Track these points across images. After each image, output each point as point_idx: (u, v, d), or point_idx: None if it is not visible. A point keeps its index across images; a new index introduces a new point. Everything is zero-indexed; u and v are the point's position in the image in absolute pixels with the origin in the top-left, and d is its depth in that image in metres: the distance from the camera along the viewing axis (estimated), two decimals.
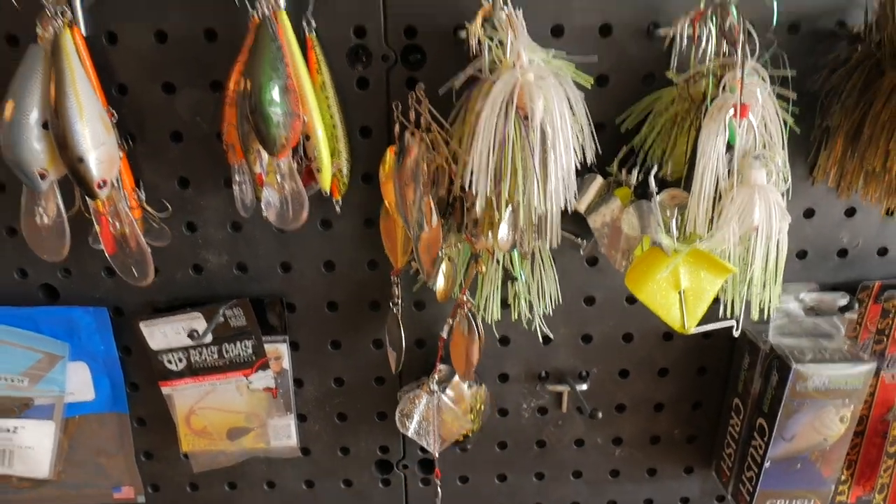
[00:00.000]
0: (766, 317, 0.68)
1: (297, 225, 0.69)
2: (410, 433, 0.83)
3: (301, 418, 0.88)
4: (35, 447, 0.81)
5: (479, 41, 0.63)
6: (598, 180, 0.72)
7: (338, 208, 0.73)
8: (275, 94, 0.61)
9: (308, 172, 0.69)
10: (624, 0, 0.70)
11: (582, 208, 0.71)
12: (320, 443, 0.90)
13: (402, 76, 0.72)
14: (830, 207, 0.80)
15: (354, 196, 0.75)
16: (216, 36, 0.69)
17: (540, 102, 0.58)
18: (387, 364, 0.82)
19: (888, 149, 0.63)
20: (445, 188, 0.69)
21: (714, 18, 0.65)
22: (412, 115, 0.69)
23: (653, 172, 0.67)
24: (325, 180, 0.68)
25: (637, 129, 0.72)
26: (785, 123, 0.66)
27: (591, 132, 0.65)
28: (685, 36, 0.66)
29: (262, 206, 0.67)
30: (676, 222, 0.67)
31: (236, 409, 0.82)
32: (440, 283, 0.74)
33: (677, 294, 0.67)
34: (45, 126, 0.63)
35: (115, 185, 0.67)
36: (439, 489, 0.90)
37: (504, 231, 0.66)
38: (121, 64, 0.70)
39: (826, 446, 0.79)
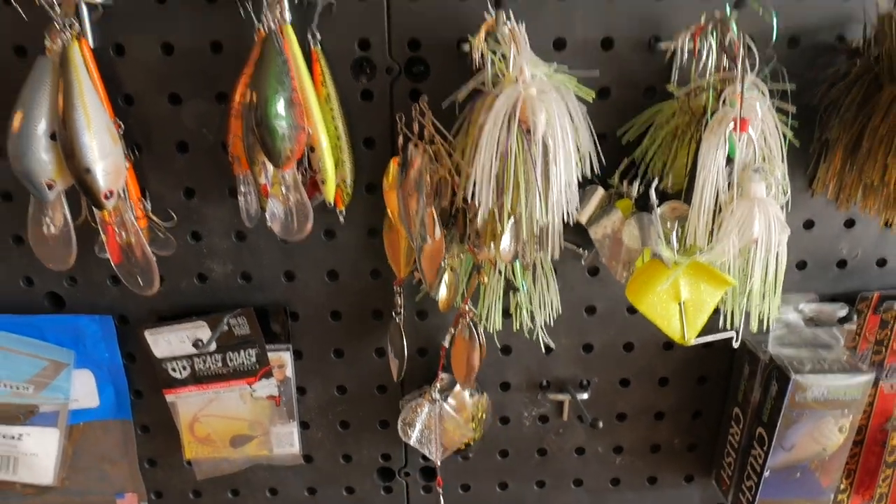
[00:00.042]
0: (765, 328, 0.69)
1: (302, 236, 0.69)
2: (413, 442, 0.84)
3: (304, 426, 0.88)
4: (39, 454, 0.82)
5: (482, 55, 0.64)
6: (600, 192, 0.73)
7: (341, 218, 0.74)
8: (280, 107, 0.61)
9: (312, 183, 0.70)
10: (625, 14, 0.71)
11: (583, 219, 0.72)
12: (323, 450, 0.91)
13: (405, 88, 0.73)
14: (830, 219, 0.81)
15: (358, 206, 0.76)
16: (222, 48, 0.70)
17: (542, 116, 0.59)
18: (389, 372, 0.82)
19: (886, 162, 0.64)
20: (448, 199, 0.70)
21: (714, 33, 0.65)
22: (416, 127, 0.70)
23: (653, 185, 0.68)
24: (330, 191, 0.69)
25: (638, 141, 0.73)
26: (784, 137, 0.67)
27: (595, 145, 0.66)
28: (686, 50, 0.67)
29: (267, 218, 0.68)
30: (677, 234, 0.68)
31: (240, 416, 0.83)
32: (442, 293, 0.75)
33: (677, 306, 0.68)
34: (52, 137, 0.64)
35: (122, 195, 0.68)
36: (441, 497, 0.90)
37: (506, 242, 0.66)
38: (128, 75, 0.71)
39: (825, 456, 0.80)
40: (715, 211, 0.65)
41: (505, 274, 0.75)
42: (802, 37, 0.73)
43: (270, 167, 0.66)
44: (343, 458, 0.91)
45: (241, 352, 0.80)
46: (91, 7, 0.66)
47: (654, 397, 0.89)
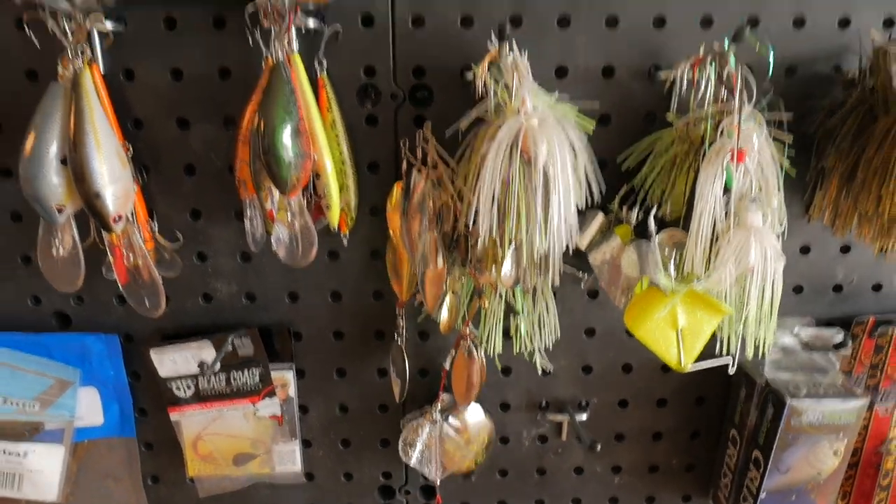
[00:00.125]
0: (761, 355, 0.70)
1: (307, 262, 0.71)
2: (413, 462, 0.85)
3: (306, 444, 0.89)
4: (44, 471, 0.83)
5: (484, 84, 0.65)
6: (600, 217, 0.74)
7: (345, 242, 0.75)
8: (287, 136, 0.63)
9: (317, 207, 0.71)
10: (626, 43, 0.72)
11: (583, 244, 0.73)
12: (324, 468, 0.91)
13: (410, 114, 0.74)
14: (826, 244, 0.82)
15: (361, 229, 0.77)
16: (230, 74, 0.72)
17: (543, 147, 0.60)
18: (390, 392, 0.83)
19: (880, 193, 0.65)
20: (450, 224, 0.71)
21: (713, 65, 0.67)
22: (419, 153, 0.71)
23: (652, 213, 0.69)
24: (334, 217, 0.70)
25: (638, 167, 0.74)
26: (781, 166, 0.68)
27: (595, 174, 0.67)
28: (685, 80, 0.68)
29: (273, 243, 0.70)
30: (675, 261, 0.69)
31: (243, 435, 0.84)
32: (444, 316, 0.76)
33: (675, 333, 0.69)
34: (63, 161, 0.65)
35: (130, 219, 0.69)
36: None
37: (507, 268, 0.67)
38: (137, 100, 0.72)
39: (820, 479, 0.81)
40: (712, 239, 0.66)
41: (505, 298, 0.76)
42: (800, 66, 0.74)
43: (276, 193, 0.67)
44: (344, 476, 0.92)
45: (245, 371, 0.81)
46: (102, 35, 0.67)
47: (653, 418, 0.90)
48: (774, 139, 0.68)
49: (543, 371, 0.84)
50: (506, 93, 0.64)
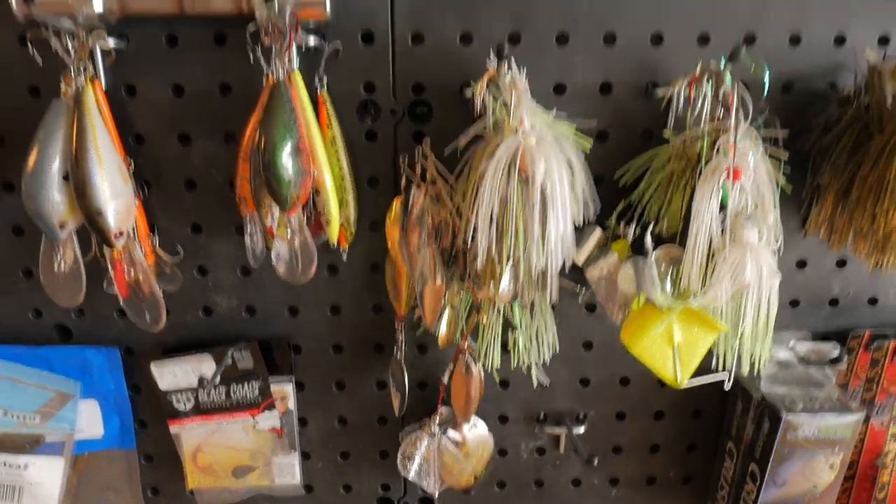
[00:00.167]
0: (756, 371, 0.70)
1: (306, 279, 0.71)
2: (411, 475, 0.85)
3: (305, 456, 0.89)
4: (45, 483, 0.83)
5: (483, 102, 0.66)
6: (597, 232, 0.74)
7: (344, 257, 0.76)
8: (287, 154, 0.63)
9: (317, 223, 0.71)
10: (623, 60, 0.73)
11: (580, 260, 0.73)
12: (323, 480, 0.92)
13: (409, 129, 0.75)
14: (822, 258, 0.83)
15: (361, 243, 0.78)
16: (231, 90, 0.72)
17: (541, 166, 0.60)
18: (389, 404, 0.84)
19: (875, 211, 0.66)
20: (449, 239, 0.72)
21: (710, 82, 0.67)
22: (418, 169, 0.72)
23: (649, 229, 0.70)
24: (333, 234, 0.71)
25: (636, 183, 0.75)
26: (777, 183, 0.69)
27: (592, 192, 0.68)
28: (682, 98, 0.69)
29: (273, 258, 0.70)
30: (671, 277, 0.70)
31: (242, 447, 0.84)
32: (442, 330, 0.76)
33: (671, 350, 0.69)
34: (66, 178, 0.65)
35: (131, 235, 0.69)
36: None
37: (505, 283, 0.68)
38: (139, 116, 0.73)
39: (816, 493, 0.81)
40: (708, 256, 0.66)
41: (504, 312, 0.77)
42: (796, 83, 0.75)
43: (276, 210, 0.67)
44: (343, 488, 0.93)
45: (245, 384, 0.81)
46: (105, 52, 0.68)
47: (650, 431, 0.90)
48: (770, 156, 0.69)
49: (540, 386, 0.84)
50: (504, 111, 0.64)
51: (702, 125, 0.68)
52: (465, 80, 0.72)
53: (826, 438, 0.78)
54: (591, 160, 0.70)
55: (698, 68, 0.68)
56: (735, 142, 0.64)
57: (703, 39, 0.73)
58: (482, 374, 0.79)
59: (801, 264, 0.83)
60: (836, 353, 0.81)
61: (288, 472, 0.86)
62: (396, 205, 0.74)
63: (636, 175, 0.75)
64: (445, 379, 0.80)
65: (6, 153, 0.74)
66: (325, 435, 0.89)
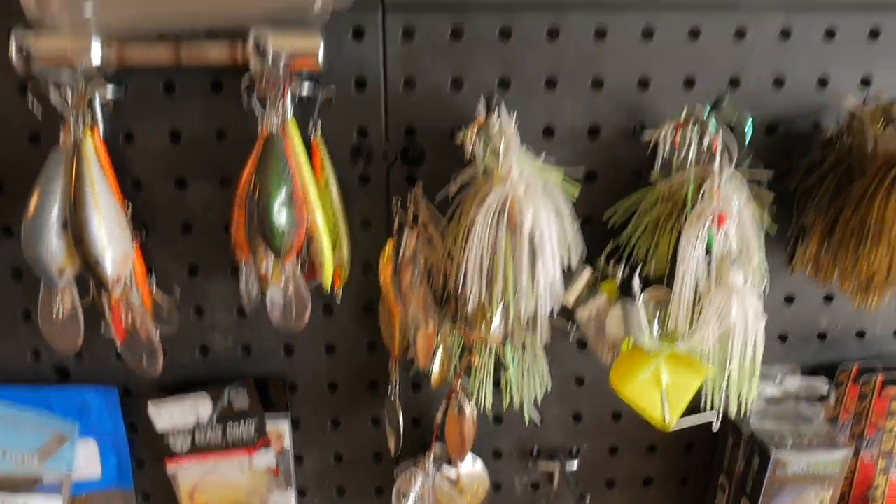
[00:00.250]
0: (743, 412, 0.71)
1: (300, 326, 0.72)
2: None
3: (301, 493, 0.90)
4: None
5: (473, 147, 0.67)
6: (587, 272, 0.75)
7: (338, 300, 0.77)
8: (281, 205, 0.65)
9: (311, 267, 0.72)
10: (611, 104, 0.75)
11: (570, 301, 0.75)
12: None
13: (402, 172, 0.76)
14: (810, 293, 0.84)
15: (355, 284, 0.79)
16: (226, 136, 0.74)
17: (529, 214, 0.62)
18: (384, 441, 0.85)
19: (857, 254, 0.67)
20: (441, 282, 0.73)
21: (695, 127, 0.69)
22: (410, 212, 0.73)
23: (637, 272, 0.71)
24: (327, 279, 0.72)
25: (625, 224, 0.76)
26: (763, 223, 0.70)
27: (577, 240, 0.69)
28: (668, 143, 0.70)
29: (267, 306, 0.71)
30: (659, 319, 0.71)
31: (238, 486, 0.85)
32: (435, 370, 0.77)
33: (659, 392, 0.70)
34: (65, 226, 0.67)
35: (128, 283, 0.70)
36: None
37: (496, 326, 0.69)
38: (137, 161, 0.74)
39: None
40: (695, 299, 0.68)
41: (495, 352, 0.78)
42: (780, 125, 0.77)
43: (271, 256, 0.69)
44: None
45: (241, 423, 0.82)
46: (103, 102, 0.69)
47: (642, 465, 0.91)
48: (756, 196, 0.70)
49: (532, 423, 0.85)
50: (494, 157, 0.66)
51: (688, 169, 0.70)
52: (457, 123, 0.73)
53: (815, 474, 0.79)
54: (581, 200, 0.72)
55: (683, 114, 0.69)
56: (719, 187, 0.66)
57: (689, 83, 0.75)
58: (475, 413, 0.80)
59: (790, 299, 0.84)
60: (824, 389, 0.82)
61: None
62: (389, 247, 0.75)
63: (625, 216, 0.76)
64: (438, 418, 0.81)
65: (6, 199, 0.75)
66: (320, 472, 0.90)
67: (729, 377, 0.69)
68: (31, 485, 0.82)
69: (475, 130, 0.67)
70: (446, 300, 0.74)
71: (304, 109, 0.71)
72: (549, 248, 0.63)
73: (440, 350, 0.77)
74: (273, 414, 0.83)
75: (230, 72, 0.69)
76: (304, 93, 0.69)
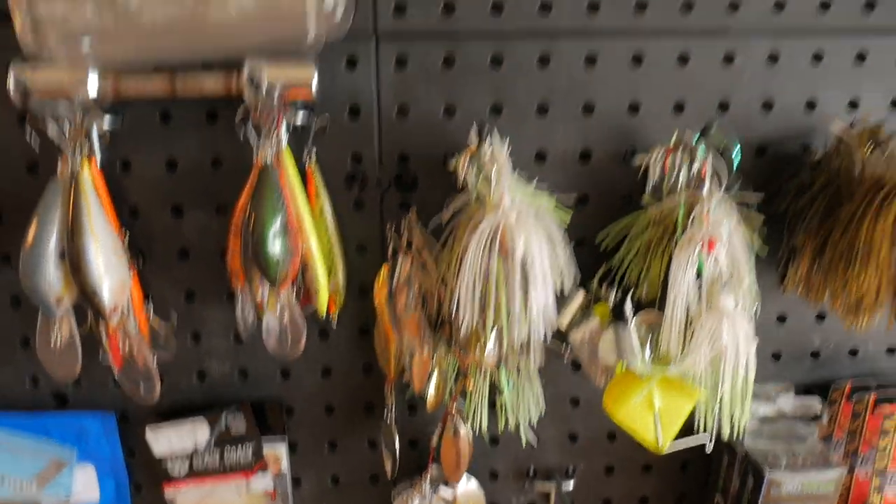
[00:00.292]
0: (736, 434, 0.72)
1: (296, 354, 0.73)
2: None
3: None
4: None
5: (465, 175, 0.68)
6: (580, 295, 0.76)
7: (334, 325, 0.78)
8: (276, 234, 0.66)
9: (307, 293, 0.73)
10: (602, 129, 0.76)
11: (563, 324, 0.75)
12: None
13: (395, 198, 0.77)
14: (802, 312, 0.85)
15: (350, 308, 0.79)
16: (222, 164, 0.75)
17: (521, 242, 0.63)
18: (381, 463, 0.85)
19: (846, 276, 0.68)
20: (435, 307, 0.74)
21: (684, 153, 0.70)
22: (404, 238, 0.74)
23: (629, 296, 0.72)
24: (322, 305, 0.73)
25: (617, 247, 0.77)
26: (753, 244, 0.71)
27: (569, 265, 0.70)
28: (658, 167, 0.71)
29: (263, 334, 0.72)
30: (651, 342, 0.71)
31: None
32: (431, 393, 0.78)
33: (652, 415, 0.71)
34: (62, 256, 0.67)
35: (126, 311, 0.71)
36: None
37: (490, 350, 0.70)
38: (133, 189, 0.75)
39: None
40: (687, 322, 0.68)
41: (490, 375, 0.78)
42: (769, 147, 0.78)
43: (266, 284, 0.69)
44: None
45: (238, 447, 0.82)
46: (100, 134, 0.70)
47: (639, 484, 0.92)
48: (746, 218, 0.71)
49: (528, 445, 0.86)
50: (486, 185, 0.66)
51: (678, 193, 0.70)
52: (450, 150, 0.74)
53: (809, 494, 0.79)
54: (573, 223, 0.72)
55: (672, 140, 0.70)
56: (709, 212, 0.67)
57: (679, 108, 0.76)
58: (471, 436, 0.80)
59: (782, 318, 0.85)
60: (818, 409, 0.83)
61: None
62: (384, 272, 0.76)
63: (617, 239, 0.77)
64: (435, 441, 0.82)
65: (5, 230, 0.75)
66: (318, 494, 0.90)
67: (721, 400, 0.69)
68: None
69: (467, 158, 0.68)
70: (441, 324, 0.74)
71: (298, 138, 0.72)
72: (541, 274, 0.64)
73: (435, 374, 0.77)
74: (270, 437, 0.84)
75: (225, 101, 0.70)
76: (299, 122, 0.70)
